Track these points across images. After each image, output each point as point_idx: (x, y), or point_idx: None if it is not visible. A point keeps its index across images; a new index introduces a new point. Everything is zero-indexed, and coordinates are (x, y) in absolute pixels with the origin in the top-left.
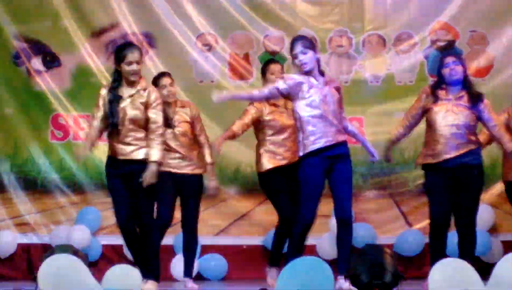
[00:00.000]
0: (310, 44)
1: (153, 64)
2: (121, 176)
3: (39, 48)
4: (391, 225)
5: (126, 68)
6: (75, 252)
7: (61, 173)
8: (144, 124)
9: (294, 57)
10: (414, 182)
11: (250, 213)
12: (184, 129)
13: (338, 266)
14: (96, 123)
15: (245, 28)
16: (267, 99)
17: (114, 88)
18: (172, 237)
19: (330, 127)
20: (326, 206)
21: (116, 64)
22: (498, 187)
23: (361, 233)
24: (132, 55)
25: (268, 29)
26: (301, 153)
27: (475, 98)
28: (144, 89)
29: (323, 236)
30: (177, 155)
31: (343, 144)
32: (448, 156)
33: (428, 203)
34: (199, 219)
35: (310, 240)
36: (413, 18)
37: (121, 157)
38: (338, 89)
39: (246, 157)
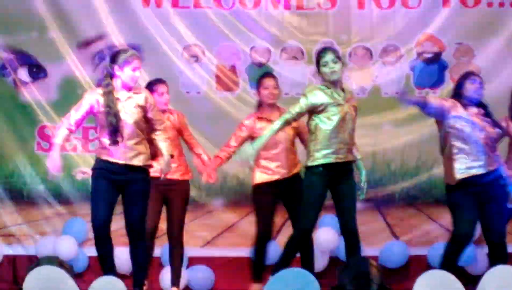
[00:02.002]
0: (339, 55)
1: (140, 75)
2: (113, 181)
3: (25, 59)
4: (377, 237)
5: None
6: (60, 263)
7: (47, 184)
8: (145, 127)
9: (324, 64)
10: (401, 194)
11: (237, 224)
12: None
13: None
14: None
15: (232, 40)
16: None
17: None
18: (159, 249)
19: (344, 145)
20: None
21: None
22: None
23: None
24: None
25: (254, 41)
26: (309, 163)
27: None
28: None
29: None
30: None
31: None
32: None
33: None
34: (186, 230)
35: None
36: (399, 30)
37: (121, 162)
38: (355, 108)
39: (232, 169)
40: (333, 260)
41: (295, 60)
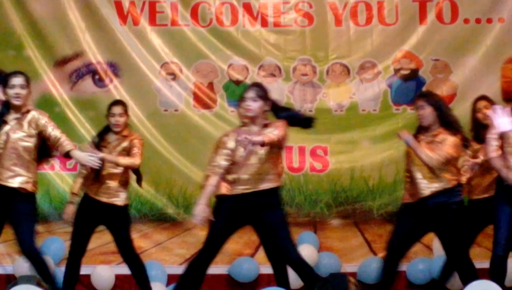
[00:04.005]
0: (264, 94)
1: (117, 93)
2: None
3: (2, 77)
4: (356, 253)
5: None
6: (38, 283)
7: None
8: (29, 148)
9: (242, 100)
10: (379, 210)
11: None
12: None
13: None
14: None
15: (209, 57)
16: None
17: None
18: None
19: (251, 175)
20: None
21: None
22: None
23: (326, 262)
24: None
25: (232, 58)
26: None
27: None
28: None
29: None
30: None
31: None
32: None
33: None
34: (165, 248)
35: (270, 269)
36: (376, 47)
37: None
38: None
39: None
40: None
41: (272, 77)
